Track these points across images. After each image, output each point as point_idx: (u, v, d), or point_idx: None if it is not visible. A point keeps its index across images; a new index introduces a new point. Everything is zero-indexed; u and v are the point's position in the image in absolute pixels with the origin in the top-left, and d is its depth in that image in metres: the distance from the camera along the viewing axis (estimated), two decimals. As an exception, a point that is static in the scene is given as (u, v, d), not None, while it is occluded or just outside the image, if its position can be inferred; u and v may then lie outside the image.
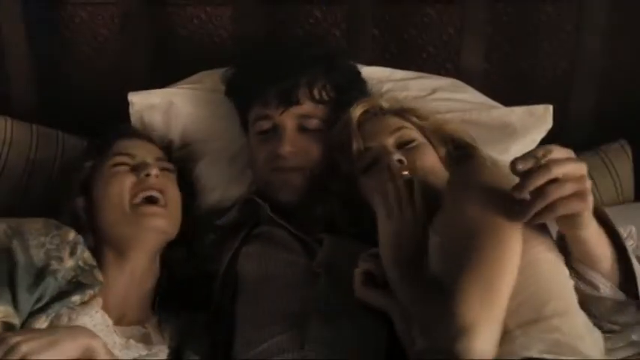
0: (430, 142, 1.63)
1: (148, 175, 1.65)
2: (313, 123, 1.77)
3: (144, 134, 1.82)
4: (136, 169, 1.67)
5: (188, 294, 1.73)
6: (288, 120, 1.76)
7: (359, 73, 1.89)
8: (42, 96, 2.15)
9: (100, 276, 1.58)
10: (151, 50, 2.15)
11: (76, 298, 1.51)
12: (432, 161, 1.58)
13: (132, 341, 1.55)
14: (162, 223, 1.64)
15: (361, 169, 1.62)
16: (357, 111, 1.67)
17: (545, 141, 1.90)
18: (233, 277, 1.69)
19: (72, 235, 1.58)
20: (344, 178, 1.66)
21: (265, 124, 1.78)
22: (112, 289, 1.61)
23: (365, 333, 1.52)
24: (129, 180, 1.65)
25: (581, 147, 2.01)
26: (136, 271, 1.64)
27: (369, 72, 1.92)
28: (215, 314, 1.68)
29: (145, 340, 1.58)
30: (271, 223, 1.75)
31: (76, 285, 1.54)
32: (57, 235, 1.56)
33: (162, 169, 1.71)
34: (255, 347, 1.52)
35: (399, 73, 2.00)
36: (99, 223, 1.65)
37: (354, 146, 1.63)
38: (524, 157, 1.25)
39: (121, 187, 1.64)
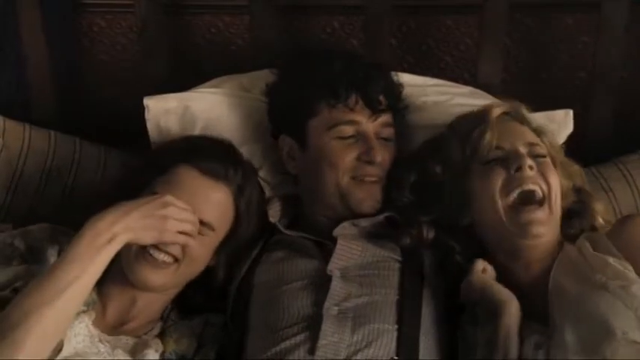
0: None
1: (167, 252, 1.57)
2: (389, 132, 1.78)
3: (212, 172, 1.63)
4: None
5: (204, 297, 1.72)
6: (372, 128, 1.76)
7: None
8: (61, 103, 2.16)
9: (95, 296, 1.58)
10: (168, 59, 2.15)
11: None
12: (558, 182, 1.60)
13: (119, 351, 1.54)
14: (159, 280, 1.57)
15: (483, 161, 1.61)
16: (499, 108, 1.68)
17: (565, 152, 1.89)
18: (250, 283, 1.69)
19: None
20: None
21: (349, 130, 1.75)
22: (112, 305, 1.61)
23: (376, 336, 1.52)
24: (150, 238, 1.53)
25: (599, 157, 2.02)
26: (138, 299, 1.63)
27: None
28: (229, 319, 1.68)
29: (135, 350, 1.57)
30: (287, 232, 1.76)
31: None
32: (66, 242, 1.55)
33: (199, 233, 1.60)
34: (267, 350, 1.52)
35: (419, 79, 2.01)
36: None
37: (487, 138, 1.62)
38: None
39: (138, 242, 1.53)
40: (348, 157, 1.73)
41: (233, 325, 1.67)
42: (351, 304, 1.57)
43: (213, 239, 1.65)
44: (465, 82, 2.10)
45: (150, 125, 1.93)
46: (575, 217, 1.66)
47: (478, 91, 2.02)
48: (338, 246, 1.67)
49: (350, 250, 1.68)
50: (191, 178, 1.63)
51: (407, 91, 1.93)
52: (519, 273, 1.60)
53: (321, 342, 1.50)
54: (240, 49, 2.22)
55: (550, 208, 1.57)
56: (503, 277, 1.60)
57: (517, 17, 2.14)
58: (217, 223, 1.63)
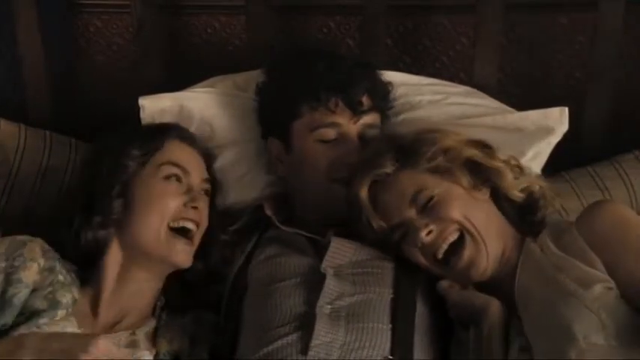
0: (451, 176, 1.60)
1: (195, 207, 1.64)
2: (372, 133, 1.79)
3: (195, 141, 1.76)
4: (185, 192, 1.64)
5: (197, 294, 1.73)
6: (355, 129, 1.77)
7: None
8: (56, 104, 2.16)
9: (75, 294, 1.58)
10: (164, 59, 2.15)
11: (44, 321, 1.51)
12: (459, 206, 1.57)
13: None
14: (185, 261, 1.63)
15: (395, 241, 1.62)
16: (363, 189, 1.62)
17: (560, 151, 1.90)
18: (244, 280, 1.70)
19: (38, 250, 1.58)
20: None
21: (330, 133, 1.77)
22: (108, 297, 1.61)
23: (370, 335, 1.52)
24: (176, 202, 1.62)
25: (595, 157, 2.02)
26: (139, 287, 1.64)
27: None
28: (223, 316, 1.68)
29: (131, 345, 1.57)
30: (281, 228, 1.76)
31: (50, 302, 1.53)
32: (20, 254, 1.56)
33: (205, 192, 1.70)
34: (260, 350, 1.51)
35: (414, 78, 2.01)
36: (128, 229, 1.62)
37: (376, 227, 1.61)
38: None
39: (166, 209, 1.61)
40: (330, 160, 1.75)
41: (226, 322, 1.67)
42: (345, 303, 1.56)
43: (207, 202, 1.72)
44: (461, 82, 2.10)
45: (145, 124, 1.93)
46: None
47: (474, 90, 2.02)
48: (332, 244, 1.67)
49: (344, 248, 1.68)
50: (181, 149, 1.71)
51: (402, 91, 1.93)
52: (488, 287, 1.59)
53: (314, 342, 1.48)
54: (236, 49, 2.22)
55: (473, 237, 1.56)
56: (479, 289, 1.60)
57: (513, 17, 2.13)
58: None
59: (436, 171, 1.60)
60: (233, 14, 2.20)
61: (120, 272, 1.63)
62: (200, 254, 1.69)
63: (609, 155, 2.03)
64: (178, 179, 1.65)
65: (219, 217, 1.76)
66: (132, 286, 1.63)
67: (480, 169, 1.61)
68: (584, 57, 2.13)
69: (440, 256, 1.57)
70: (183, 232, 1.63)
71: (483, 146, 1.66)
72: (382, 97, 1.86)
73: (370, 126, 1.79)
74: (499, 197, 1.63)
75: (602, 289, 1.41)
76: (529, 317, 1.48)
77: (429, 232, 1.56)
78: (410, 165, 1.62)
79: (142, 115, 1.94)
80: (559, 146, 1.91)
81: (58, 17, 2.20)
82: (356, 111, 1.77)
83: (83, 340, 1.37)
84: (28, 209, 1.93)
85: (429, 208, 1.57)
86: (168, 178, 1.65)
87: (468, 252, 1.55)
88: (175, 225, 1.62)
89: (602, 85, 2.05)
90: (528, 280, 1.52)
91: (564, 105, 1.93)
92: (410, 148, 1.64)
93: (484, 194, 1.62)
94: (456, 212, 1.56)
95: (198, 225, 1.65)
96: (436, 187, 1.58)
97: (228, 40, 2.22)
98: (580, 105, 2.05)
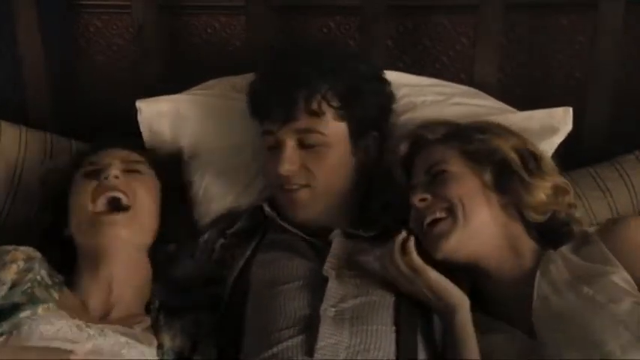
0: (472, 166, 1.62)
1: (106, 177, 1.65)
2: (313, 138, 1.71)
3: (119, 141, 1.79)
4: (97, 173, 1.68)
5: (194, 296, 1.74)
6: (288, 136, 1.71)
7: (373, 72, 1.83)
8: (56, 104, 2.16)
9: (55, 294, 1.59)
10: (165, 59, 2.15)
11: (25, 314, 1.51)
12: (461, 191, 1.58)
13: (109, 331, 1.54)
14: (124, 232, 1.63)
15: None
16: (402, 147, 1.72)
17: (562, 150, 1.90)
18: (245, 283, 1.69)
19: (21, 256, 1.60)
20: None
21: (271, 140, 1.75)
22: (91, 296, 1.63)
23: (375, 337, 1.52)
24: (90, 186, 1.66)
25: (596, 157, 2.02)
26: (112, 278, 1.65)
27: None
28: (224, 319, 1.68)
29: (130, 336, 1.58)
30: (282, 229, 1.76)
31: (29, 297, 1.54)
32: (1, 260, 1.59)
33: (130, 171, 1.70)
34: (264, 352, 1.52)
35: (415, 79, 2.00)
36: (72, 234, 1.68)
37: (396, 177, 1.73)
38: None
39: (82, 195, 1.65)
40: (271, 170, 1.73)
41: (228, 324, 1.67)
42: (348, 306, 1.57)
43: (150, 182, 1.74)
44: (461, 82, 2.09)
45: (143, 127, 1.94)
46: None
47: (475, 90, 2.02)
48: (332, 245, 1.68)
49: (345, 250, 1.68)
50: (104, 152, 1.76)
51: (404, 91, 1.92)
52: (490, 284, 1.60)
53: (320, 344, 1.49)
54: (236, 50, 2.23)
55: (455, 218, 1.57)
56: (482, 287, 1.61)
57: (513, 17, 2.14)
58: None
59: (467, 157, 1.63)
60: (233, 14, 2.20)
61: (92, 271, 1.64)
62: (188, 254, 1.73)
63: (610, 156, 2.03)
64: (96, 177, 1.67)
65: (219, 219, 1.77)
66: (107, 280, 1.64)
67: (512, 178, 1.61)
68: (584, 57, 2.14)
69: (425, 225, 1.60)
70: (113, 209, 1.64)
71: (534, 159, 1.63)
72: (330, 96, 1.72)
73: (306, 130, 1.70)
74: (521, 212, 1.62)
75: (631, 304, 1.41)
76: (549, 329, 1.47)
77: (423, 200, 1.60)
78: (449, 141, 1.66)
79: (139, 117, 1.93)
80: (560, 147, 1.90)
81: (58, 17, 2.20)
82: (282, 118, 1.71)
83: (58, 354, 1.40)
84: (31, 210, 1.92)
85: (436, 180, 1.62)
86: (87, 175, 1.69)
87: (442, 225, 1.58)
88: (100, 207, 1.63)
89: (602, 85, 2.05)
90: (549, 290, 1.51)
91: (564, 105, 1.93)
92: (461, 129, 1.69)
93: (502, 200, 1.61)
94: (453, 193, 1.58)
95: (127, 193, 1.65)
96: (454, 166, 1.62)
97: (228, 41, 2.23)
98: (580, 105, 2.05)
